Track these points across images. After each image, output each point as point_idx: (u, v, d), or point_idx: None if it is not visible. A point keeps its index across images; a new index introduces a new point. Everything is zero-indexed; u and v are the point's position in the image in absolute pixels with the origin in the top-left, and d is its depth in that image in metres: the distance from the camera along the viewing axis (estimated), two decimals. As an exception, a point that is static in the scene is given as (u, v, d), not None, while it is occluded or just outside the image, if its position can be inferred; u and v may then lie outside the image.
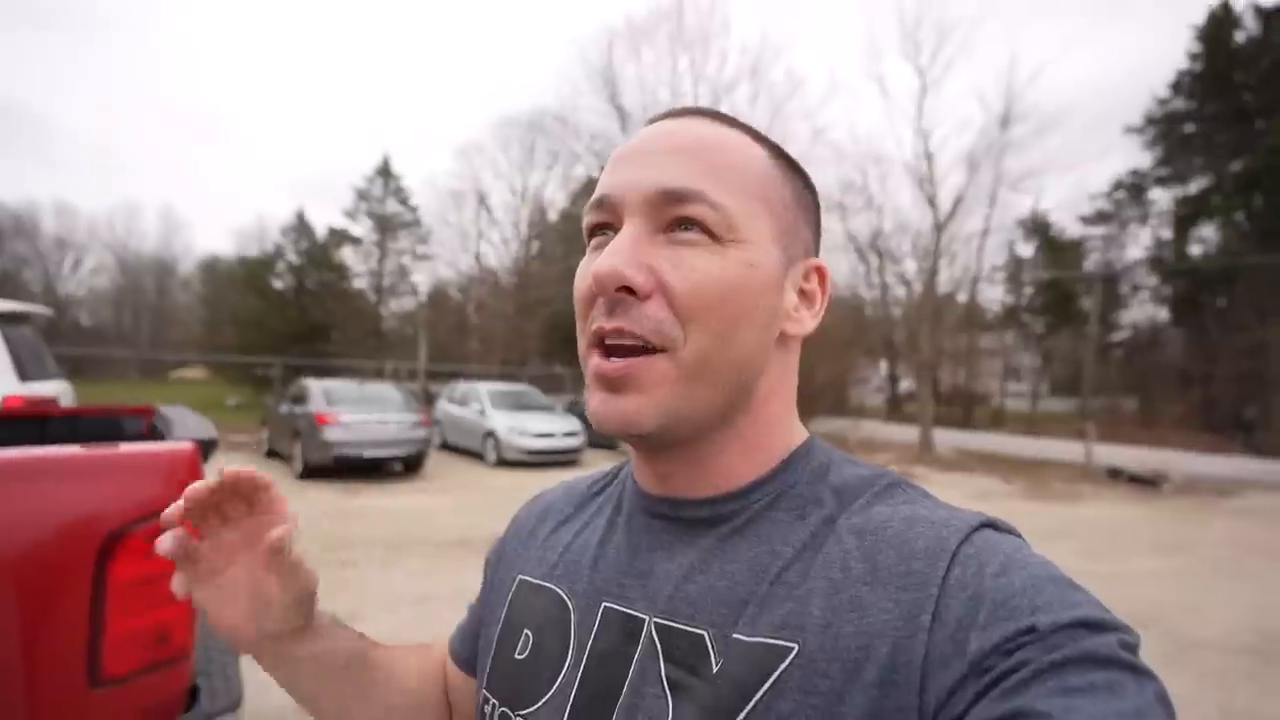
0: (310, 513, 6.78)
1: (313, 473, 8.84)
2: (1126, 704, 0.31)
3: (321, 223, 25.94)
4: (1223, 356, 19.80)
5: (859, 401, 20.13)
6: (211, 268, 32.15)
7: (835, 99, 38.62)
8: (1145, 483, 10.66)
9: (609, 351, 0.45)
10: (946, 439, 16.07)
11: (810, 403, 14.62)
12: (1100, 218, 25.39)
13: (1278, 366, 18.03)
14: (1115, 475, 11.15)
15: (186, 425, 2.04)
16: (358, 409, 9.16)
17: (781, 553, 0.44)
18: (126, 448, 1.48)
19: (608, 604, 0.49)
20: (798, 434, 0.51)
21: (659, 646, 0.44)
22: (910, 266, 17.29)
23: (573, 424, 11.26)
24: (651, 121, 0.50)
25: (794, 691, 0.38)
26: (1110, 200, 25.00)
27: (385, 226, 26.13)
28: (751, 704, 0.39)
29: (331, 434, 8.69)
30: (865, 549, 0.42)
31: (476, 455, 11.31)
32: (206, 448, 1.69)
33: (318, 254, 24.99)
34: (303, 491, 8.01)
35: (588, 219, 0.48)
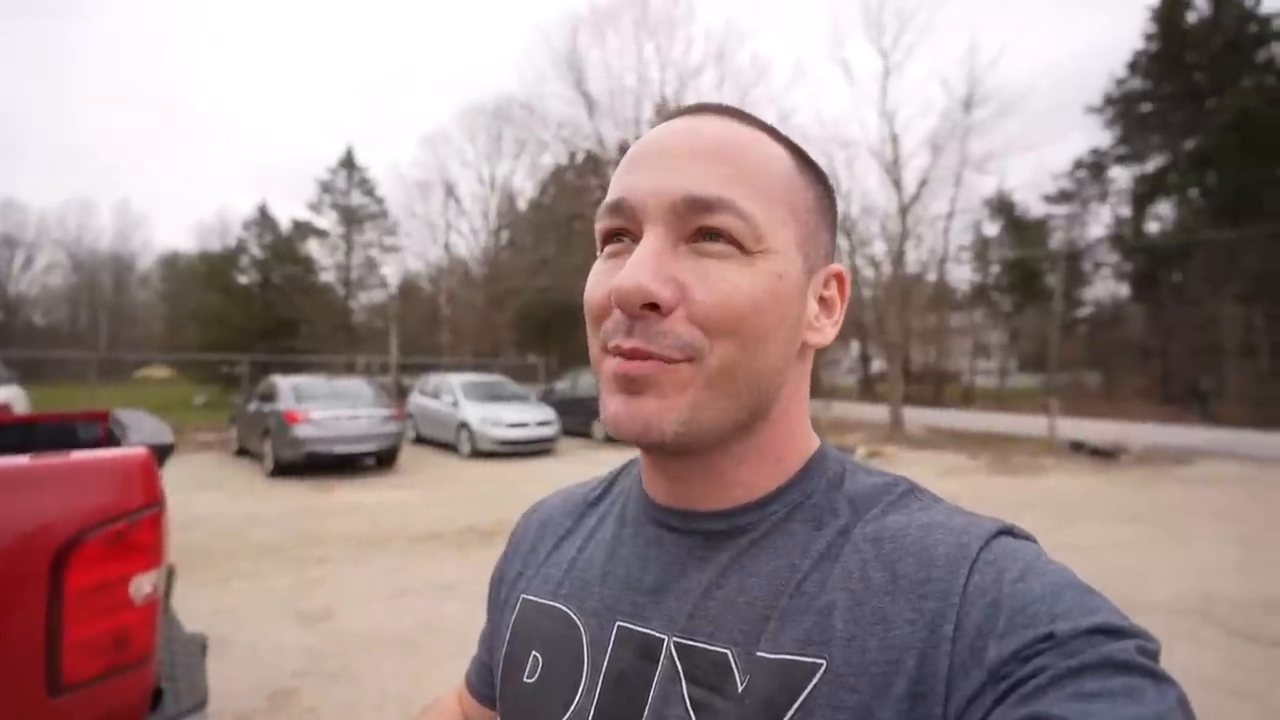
0: (283, 511, 6.71)
1: (284, 470, 8.72)
2: (1146, 709, 0.31)
3: (286, 216, 25.40)
4: (1179, 330, 20.47)
5: (831, 383, 20.41)
6: (172, 264, 31.36)
7: (800, 83, 38.77)
8: (1105, 454, 11.01)
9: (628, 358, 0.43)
10: (917, 417, 16.39)
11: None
12: (1063, 197, 25.92)
13: (1230, 338, 18.70)
14: (1077, 448, 11.50)
15: (142, 429, 2.02)
16: (328, 405, 9.05)
17: (800, 565, 0.43)
18: (78, 455, 1.48)
19: (622, 623, 0.47)
20: (812, 442, 0.50)
21: (679, 667, 0.43)
22: (879, 248, 17.53)
23: (546, 413, 11.26)
24: (667, 118, 0.47)
25: (823, 708, 0.38)
26: (1072, 179, 25.52)
27: (351, 219, 25.67)
28: None
29: (301, 431, 8.58)
30: (884, 557, 0.42)
31: (450, 447, 11.25)
32: (162, 453, 1.69)
33: (282, 248, 24.48)
34: (274, 490, 7.91)
35: (602, 223, 0.45)
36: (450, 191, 24.87)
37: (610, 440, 12.47)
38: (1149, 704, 0.31)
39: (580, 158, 22.24)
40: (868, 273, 17.46)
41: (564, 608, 0.51)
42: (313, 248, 25.33)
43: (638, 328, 0.41)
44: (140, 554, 1.45)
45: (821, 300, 0.49)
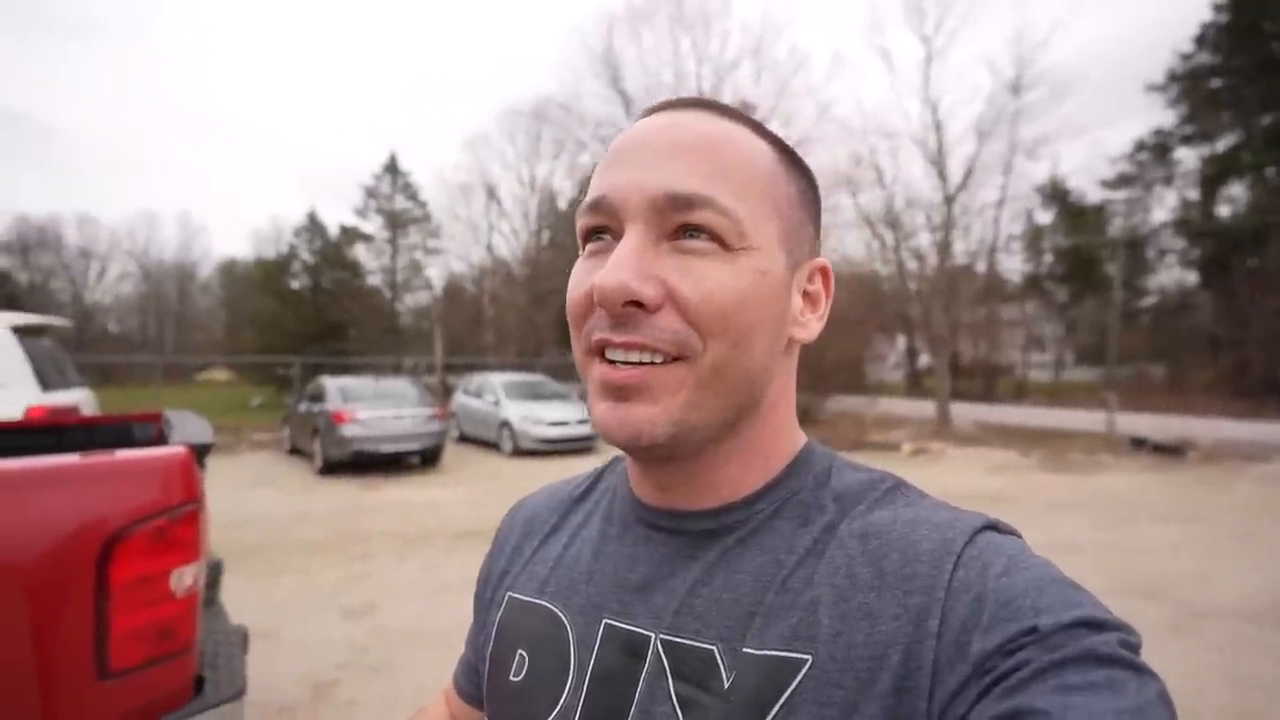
0: (331, 508, 6.95)
1: (333, 468, 9.03)
2: (1127, 701, 0.31)
3: (334, 222, 26.20)
4: (1255, 319, 19.30)
5: (877, 378, 19.99)
6: (230, 271, 32.72)
7: (840, 74, 37.80)
8: (1169, 451, 10.49)
9: (613, 362, 0.42)
10: (966, 413, 15.92)
11: (824, 381, 14.56)
12: (1122, 181, 24.74)
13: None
14: (1139, 445, 10.98)
15: (186, 429, 2.12)
16: (374, 405, 9.32)
17: (785, 561, 0.43)
18: (123, 454, 1.56)
19: (609, 620, 0.47)
20: (799, 439, 0.50)
21: (666, 664, 0.43)
22: (925, 240, 17.07)
23: (586, 412, 11.33)
24: (649, 113, 0.47)
25: (809, 704, 0.38)
26: (1132, 162, 24.33)
27: (396, 223, 26.32)
28: (769, 718, 0.38)
29: (349, 430, 8.86)
30: (869, 553, 0.41)
31: (493, 446, 11.46)
32: (201, 451, 1.76)
33: (331, 253, 25.27)
34: (323, 487, 8.20)
35: (583, 221, 0.45)
36: (491, 193, 25.29)
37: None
38: (1130, 696, 0.32)
39: (618, 157, 22.23)
40: (912, 265, 17.02)
41: (550, 605, 0.51)
42: (360, 252, 26.09)
43: (629, 323, 0.41)
44: (181, 548, 1.53)
45: (806, 295, 0.48)
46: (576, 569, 0.51)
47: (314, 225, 25.51)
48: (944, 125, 15.50)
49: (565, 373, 18.53)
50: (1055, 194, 25.57)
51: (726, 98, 18.80)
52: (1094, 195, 25.45)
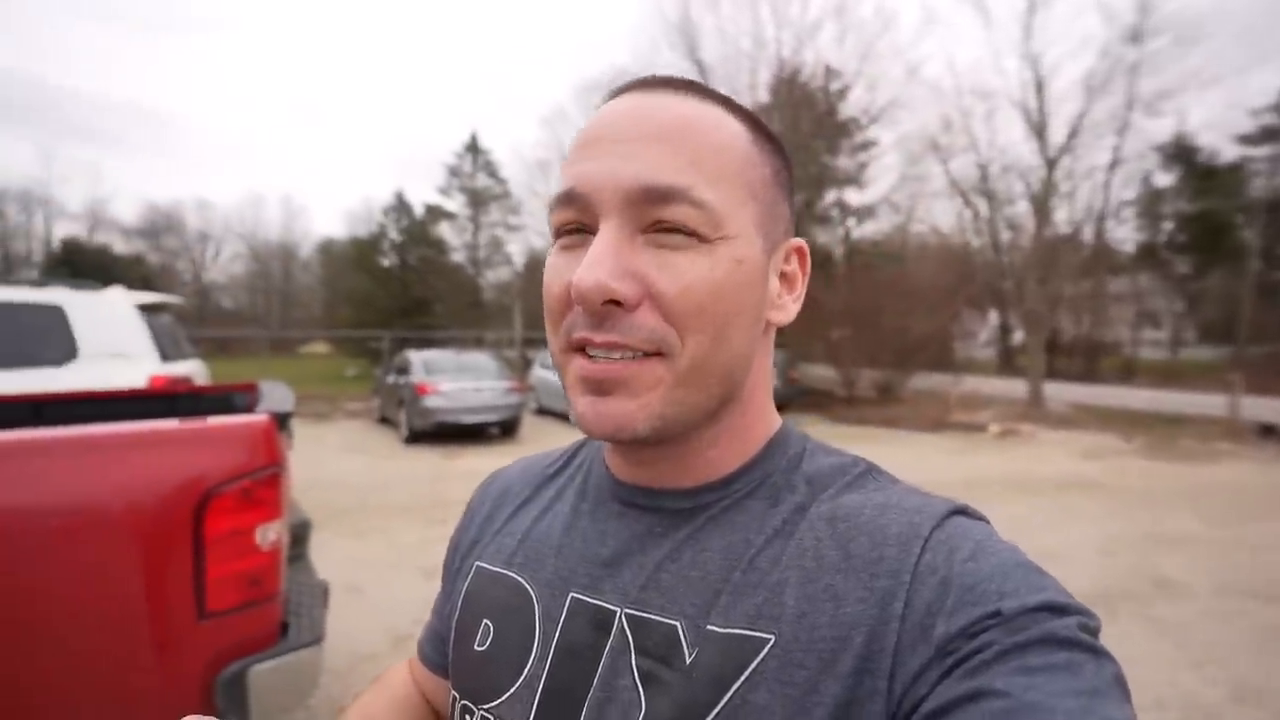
0: (414, 475, 7.37)
1: (417, 438, 9.53)
2: (1084, 683, 0.32)
3: (420, 200, 27.21)
4: None
5: (966, 356, 19.02)
6: (327, 250, 34.65)
7: (931, 32, 35.27)
8: (1301, 439, 9.49)
9: (593, 357, 0.42)
10: (1063, 393, 14.94)
11: (905, 358, 14.00)
12: (1265, 135, 22.02)
13: None
14: (1268, 432, 9.97)
15: (273, 399, 2.31)
16: (455, 377, 9.74)
17: (753, 541, 0.43)
18: (215, 421, 1.73)
19: (575, 594, 0.47)
20: (775, 421, 0.50)
21: (630, 638, 0.43)
22: (1023, 209, 15.92)
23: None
24: (616, 94, 0.45)
25: (770, 682, 0.38)
26: (1278, 114, 21.68)
27: (477, 200, 27.06)
28: (728, 696, 0.38)
29: (432, 401, 9.31)
30: (838, 536, 0.42)
31: (568, 419, 11.73)
32: (283, 418, 1.92)
33: (417, 231, 26.33)
34: (407, 455, 8.69)
35: (555, 216, 0.44)
36: (568, 170, 25.47)
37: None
38: (1087, 678, 0.32)
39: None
40: (1008, 236, 15.98)
41: (517, 577, 0.51)
42: (444, 230, 27.04)
43: (607, 322, 0.41)
44: (264, 507, 1.68)
45: (783, 276, 0.48)
46: (546, 542, 0.51)
47: (401, 204, 26.64)
48: (1046, 82, 14.32)
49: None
50: (1179, 153, 23.13)
51: (808, 63, 18.11)
52: (1228, 153, 22.82)
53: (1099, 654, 0.34)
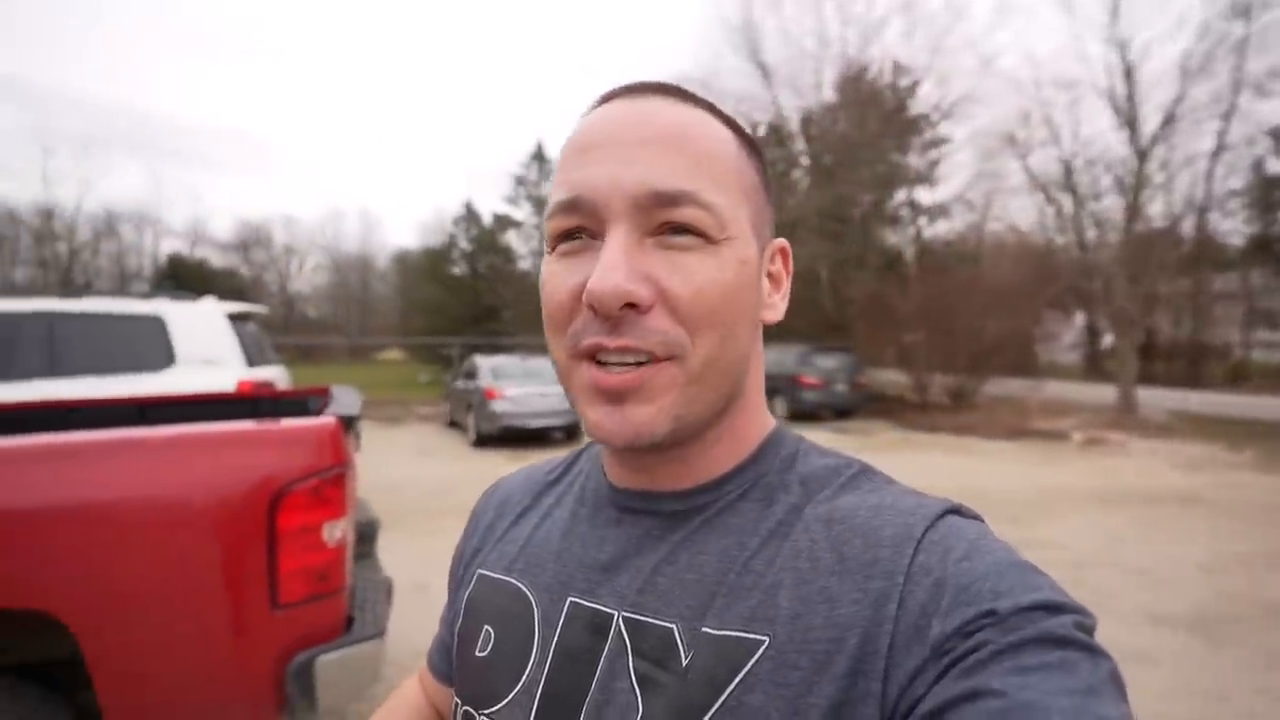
0: (480, 477, 7.52)
1: (484, 441, 9.81)
2: (1079, 681, 0.32)
3: (488, 210, 28.04)
4: None
5: (1049, 360, 17.99)
6: (402, 260, 36.16)
7: (1006, 22, 33.63)
8: None
9: (605, 364, 0.42)
10: (1160, 399, 13.95)
11: (981, 362, 13.37)
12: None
13: None
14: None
15: (341, 402, 2.42)
16: (521, 383, 9.96)
17: (748, 543, 0.44)
18: (286, 422, 1.83)
19: (574, 599, 0.47)
20: (768, 422, 0.50)
21: (628, 641, 0.43)
22: (1112, 202, 14.90)
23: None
24: (604, 101, 0.46)
25: (765, 684, 0.38)
26: None
27: (543, 208, 27.56)
28: (723, 698, 0.39)
29: (499, 406, 9.56)
30: (832, 538, 0.42)
31: (631, 424, 11.80)
32: (350, 421, 2.02)
33: (486, 240, 27.13)
34: (475, 458, 8.95)
35: (556, 223, 0.43)
36: (631, 177, 25.70)
37: (794, 418, 12.24)
38: (1082, 676, 0.32)
39: (762, 131, 21.79)
40: (1093, 232, 15.03)
41: (517, 583, 0.51)
42: (511, 238, 27.78)
43: (622, 326, 0.41)
44: (331, 505, 1.77)
45: (770, 276, 0.49)
46: (546, 548, 0.52)
47: (470, 214, 27.52)
48: (1136, 68, 13.43)
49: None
50: (1292, 138, 21.22)
51: (875, 60, 17.65)
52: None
53: (1094, 652, 0.34)
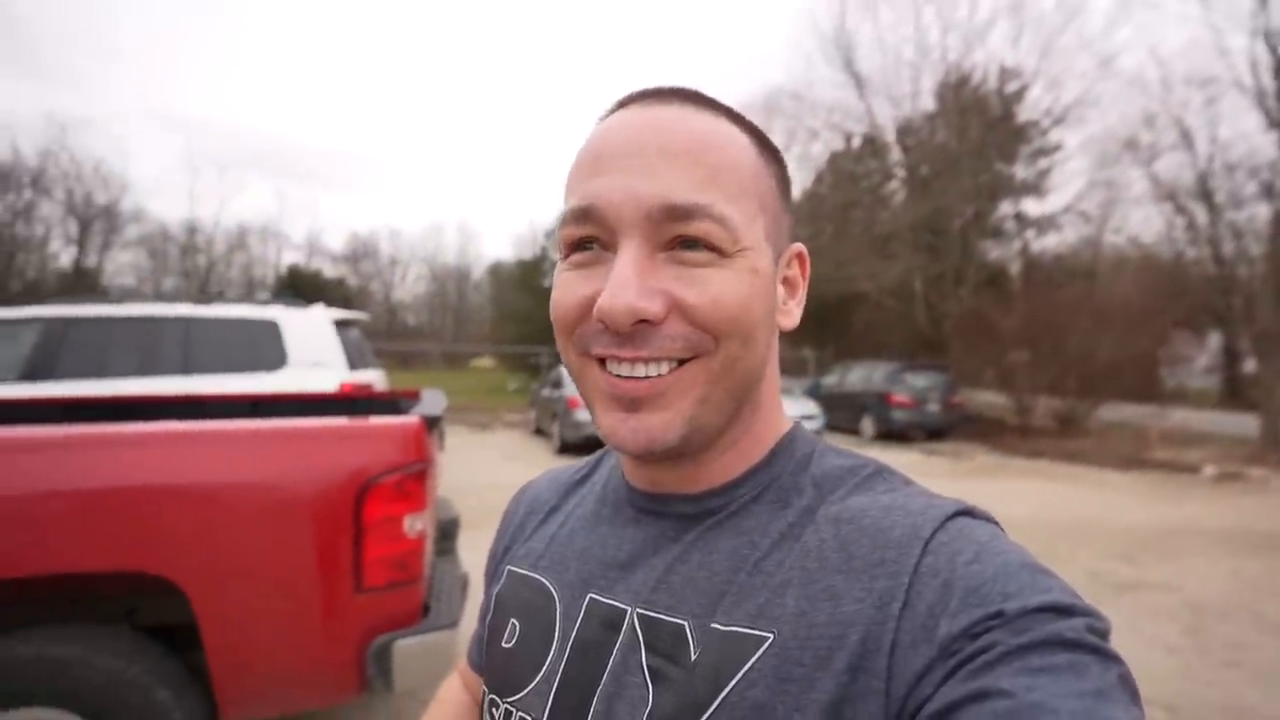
0: (562, 483, 7.74)
1: (567, 449, 10.04)
2: (1088, 684, 0.32)
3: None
4: None
5: (1177, 384, 16.38)
6: (496, 271, 37.67)
7: (1128, 18, 30.93)
8: None
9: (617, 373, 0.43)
10: (1311, 433, 12.38)
11: (1093, 384, 12.34)
12: None
13: None
14: None
15: (428, 403, 2.57)
16: (604, 393, 10.12)
17: (760, 543, 0.44)
18: (375, 420, 1.97)
19: (593, 595, 0.49)
20: (783, 424, 0.51)
21: (640, 637, 0.45)
22: (1257, 211, 13.41)
23: (808, 407, 11.08)
24: (623, 105, 0.46)
25: (768, 679, 0.39)
26: None
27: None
28: (725, 692, 0.39)
29: (581, 416, 9.74)
30: (841, 538, 0.42)
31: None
32: (432, 421, 2.14)
33: (575, 253, 27.79)
34: (557, 465, 9.13)
35: (568, 231, 0.44)
36: (720, 190, 25.69)
37: (883, 438, 11.77)
38: (1092, 679, 0.32)
39: (856, 142, 21.24)
40: (1232, 245, 13.59)
41: (542, 579, 0.54)
42: (599, 251, 28.33)
43: (636, 339, 0.41)
44: (413, 499, 1.89)
45: (785, 281, 0.49)
46: (570, 546, 0.54)
47: (561, 228, 28.33)
48: (1286, 62, 12.09)
49: (793, 367, 18.23)
50: None
51: (979, 65, 16.83)
52: None
53: (1105, 655, 0.33)
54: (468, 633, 2.18)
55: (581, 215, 0.43)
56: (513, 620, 0.54)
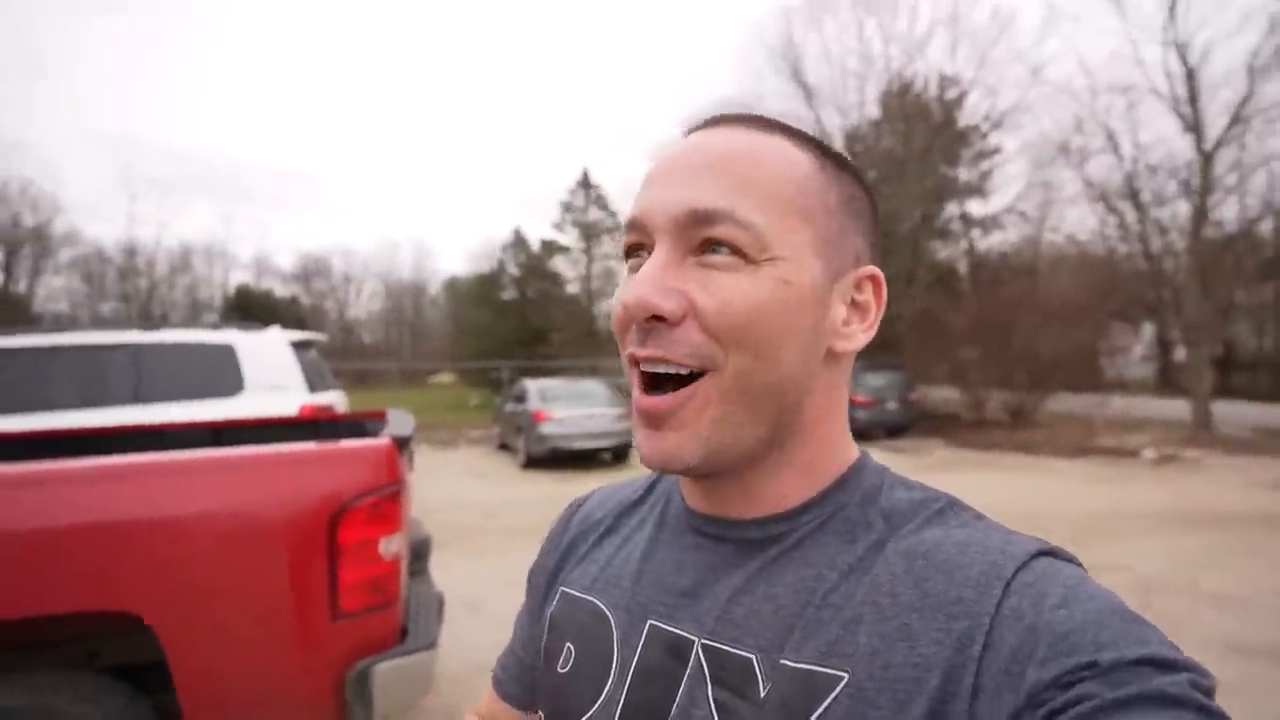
0: (530, 499, 7.69)
1: (533, 463, 9.93)
2: None
3: (536, 236, 28.67)
4: None
5: (1116, 374, 17.17)
6: (453, 286, 37.19)
7: (1055, 30, 32.58)
8: None
9: (648, 382, 0.44)
10: (1241, 414, 13.13)
11: (1042, 378, 12.88)
12: None
13: None
14: None
15: (396, 424, 2.55)
16: (569, 405, 10.10)
17: (827, 576, 0.43)
18: (345, 443, 1.95)
19: (654, 622, 0.48)
20: (850, 453, 0.49)
21: (706, 669, 0.44)
22: (1178, 209, 14.21)
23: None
24: (689, 132, 0.49)
25: None
26: None
27: (590, 234, 28.11)
28: None
29: (547, 428, 9.71)
30: (915, 574, 0.41)
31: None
32: (403, 442, 2.13)
33: (534, 265, 27.72)
34: (525, 480, 9.09)
35: (625, 240, 0.47)
36: (675, 199, 25.96)
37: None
38: None
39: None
40: (1160, 241, 14.35)
41: (598, 602, 0.52)
42: (559, 263, 28.30)
43: (651, 337, 0.43)
44: (388, 521, 1.87)
45: (854, 305, 0.47)
46: (626, 569, 0.53)
47: (519, 240, 28.20)
48: (1198, 71, 12.89)
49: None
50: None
51: (920, 74, 17.45)
52: None
53: (1213, 716, 0.31)
54: (446, 655, 2.16)
55: (630, 225, 0.46)
56: (568, 644, 0.53)
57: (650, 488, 0.60)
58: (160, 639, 1.62)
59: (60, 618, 1.60)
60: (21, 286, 28.31)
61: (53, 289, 29.87)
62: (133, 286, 32.07)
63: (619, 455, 10.34)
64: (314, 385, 4.81)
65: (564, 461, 9.91)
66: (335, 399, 5.03)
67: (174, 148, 53.01)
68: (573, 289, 28.59)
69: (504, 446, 11.89)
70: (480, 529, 6.17)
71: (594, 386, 11.33)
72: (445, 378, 29.85)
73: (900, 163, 16.74)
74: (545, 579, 0.60)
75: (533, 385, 10.92)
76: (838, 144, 18.96)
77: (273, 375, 4.58)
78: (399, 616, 1.95)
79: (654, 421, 0.44)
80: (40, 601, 1.57)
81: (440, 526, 4.96)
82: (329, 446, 1.92)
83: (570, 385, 11.23)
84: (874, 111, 18.18)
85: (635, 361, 0.45)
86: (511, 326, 25.64)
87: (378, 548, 1.85)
